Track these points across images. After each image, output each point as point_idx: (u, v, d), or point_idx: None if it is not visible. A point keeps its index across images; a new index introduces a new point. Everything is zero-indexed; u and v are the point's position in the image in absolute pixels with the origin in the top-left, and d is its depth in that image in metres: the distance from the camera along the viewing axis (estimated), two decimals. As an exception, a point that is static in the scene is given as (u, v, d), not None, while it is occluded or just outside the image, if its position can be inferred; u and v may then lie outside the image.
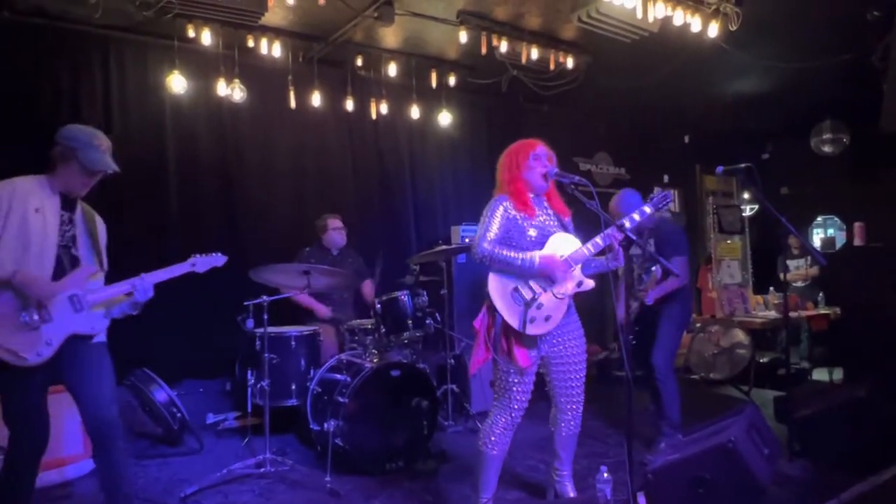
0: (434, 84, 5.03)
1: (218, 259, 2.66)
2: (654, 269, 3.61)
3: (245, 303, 3.49)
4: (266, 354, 3.39)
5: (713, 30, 4.07)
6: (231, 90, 4.32)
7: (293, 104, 4.51)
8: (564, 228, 2.66)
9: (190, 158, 4.46)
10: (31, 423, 2.27)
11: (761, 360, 5.59)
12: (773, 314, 5.80)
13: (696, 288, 7.61)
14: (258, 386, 3.59)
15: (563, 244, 2.57)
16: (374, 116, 4.98)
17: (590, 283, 2.59)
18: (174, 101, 4.31)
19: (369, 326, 3.84)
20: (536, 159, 2.60)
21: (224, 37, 4.10)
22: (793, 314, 5.76)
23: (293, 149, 4.85)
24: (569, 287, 2.54)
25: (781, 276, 6.71)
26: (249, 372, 3.77)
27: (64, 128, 2.35)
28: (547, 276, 2.47)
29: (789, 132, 7.21)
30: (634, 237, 2.37)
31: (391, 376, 3.44)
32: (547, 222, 2.63)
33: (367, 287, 4.35)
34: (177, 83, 4.15)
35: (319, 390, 3.56)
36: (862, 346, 3.63)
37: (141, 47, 4.28)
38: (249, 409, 3.85)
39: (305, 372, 3.69)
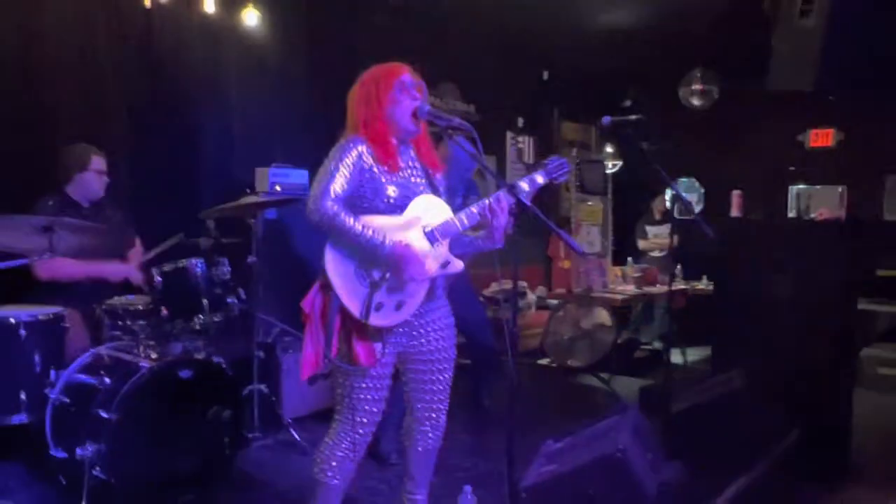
0: (238, -33, 4.58)
1: None
2: None
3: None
4: (-20, 352, 2.87)
5: (601, -54, 4.21)
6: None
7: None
8: (434, 188, 2.58)
9: None
10: None
11: (619, 341, 6.16)
12: (631, 288, 6.40)
13: (545, 256, 8.17)
14: (-38, 398, 3.05)
15: (428, 211, 2.48)
16: (147, 3, 4.39)
17: (458, 265, 2.56)
18: None
19: (141, 307, 3.45)
20: (403, 90, 2.46)
21: None
22: (650, 290, 6.43)
23: (19, 39, 4.07)
24: (431, 267, 2.47)
25: (640, 243, 7.54)
26: (-52, 376, 3.16)
27: None
28: (394, 266, 2.36)
29: (654, 79, 7.91)
30: (529, 203, 2.36)
31: (179, 378, 3.15)
32: (413, 179, 2.52)
33: (135, 254, 3.88)
34: None
35: (67, 401, 3.13)
36: (735, 326, 4.12)
37: None
38: (-53, 431, 3.25)
39: (42, 374, 3.20)
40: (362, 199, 2.41)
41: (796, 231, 4.19)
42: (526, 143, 7.89)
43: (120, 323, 3.48)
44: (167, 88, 4.75)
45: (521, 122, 7.88)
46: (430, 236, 2.45)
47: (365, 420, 2.47)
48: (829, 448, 3.82)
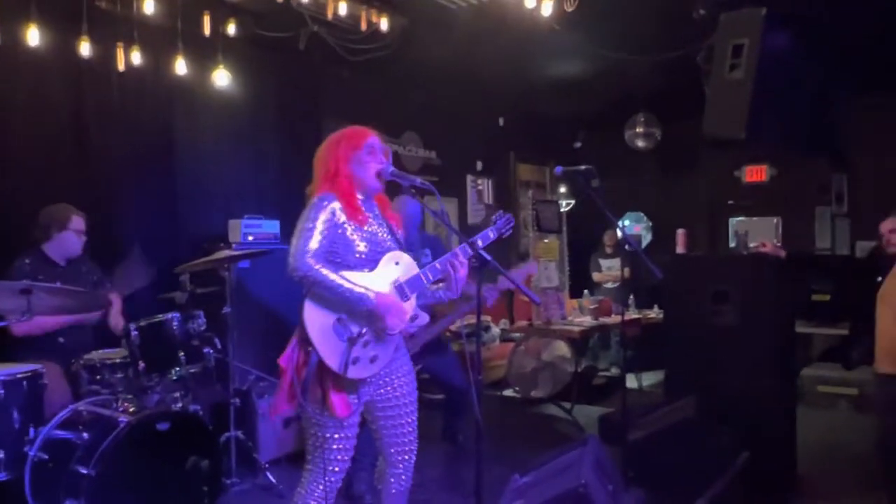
0: (207, 31, 4.57)
1: None
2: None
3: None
4: (-41, 414, 2.77)
5: (548, 7, 4.31)
6: None
7: (-4, 41, 3.74)
8: (398, 242, 2.59)
9: None
10: None
11: (578, 370, 6.18)
12: (588, 319, 6.46)
13: (507, 290, 8.19)
14: (-60, 459, 2.93)
15: (398, 267, 2.50)
16: (121, 67, 4.36)
17: (424, 318, 2.57)
18: None
19: (118, 360, 3.39)
20: (371, 153, 2.49)
21: None
22: (606, 320, 6.49)
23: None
24: (406, 321, 2.47)
25: (594, 275, 7.63)
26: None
27: None
28: (378, 318, 2.37)
29: (602, 123, 8.10)
30: (490, 258, 2.37)
31: (156, 431, 3.08)
32: (380, 234, 2.54)
33: (116, 304, 3.79)
34: None
35: (45, 457, 3.04)
36: (685, 353, 4.18)
37: None
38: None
39: (21, 432, 3.10)
40: (335, 254, 2.41)
41: (736, 264, 4.28)
42: (485, 185, 7.97)
43: (98, 377, 3.42)
44: (143, 147, 4.71)
45: (479, 165, 7.95)
46: (400, 290, 2.46)
47: (336, 469, 2.45)
48: (777, 463, 3.88)
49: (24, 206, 3.83)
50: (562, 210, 7.24)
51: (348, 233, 2.41)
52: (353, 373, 2.36)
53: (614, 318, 6.42)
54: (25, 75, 4.10)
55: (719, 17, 4.25)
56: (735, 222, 7.77)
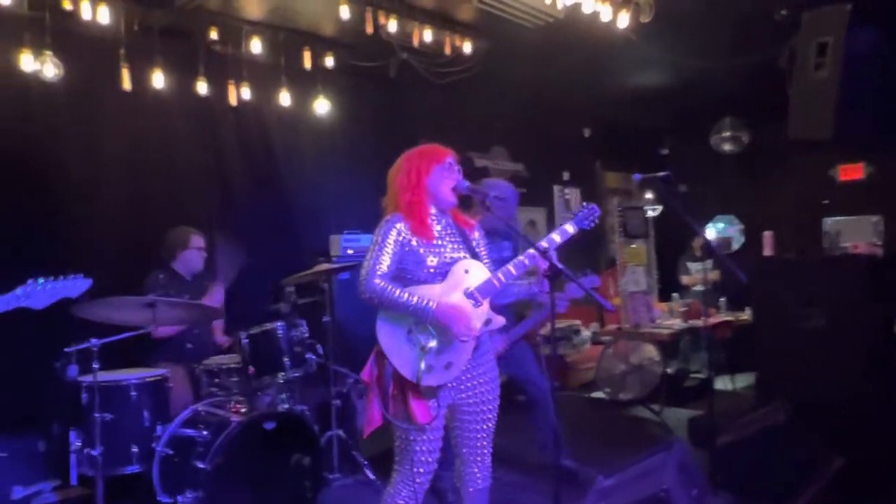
0: (308, 65, 4.74)
1: (76, 284, 2.24)
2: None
3: (66, 349, 3.04)
4: (97, 414, 2.97)
5: (623, 20, 4.17)
6: (41, 65, 3.75)
7: (127, 85, 4.03)
8: (471, 249, 2.55)
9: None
10: None
11: (667, 371, 5.90)
12: (678, 322, 6.15)
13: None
14: (85, 452, 3.16)
15: (468, 274, 2.44)
16: (233, 102, 4.60)
17: (500, 321, 2.49)
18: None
19: (233, 365, 3.54)
20: (449, 171, 2.47)
21: (30, -5, 3.55)
22: (696, 323, 6.16)
23: (129, 141, 4.34)
24: (475, 326, 2.42)
25: (682, 279, 7.28)
26: (73, 433, 3.29)
27: None
28: (444, 326, 2.33)
29: (688, 128, 7.74)
30: (561, 266, 2.29)
31: (264, 430, 3.18)
32: (450, 246, 2.49)
33: (218, 323, 3.99)
34: (-39, 53, 3.53)
35: (171, 452, 3.21)
36: (776, 356, 3.91)
37: None
38: (74, 480, 3.37)
39: (150, 429, 3.30)
40: (406, 271, 2.41)
41: (825, 266, 3.95)
42: (572, 195, 7.80)
43: (216, 380, 3.58)
44: (253, 172, 4.94)
45: (566, 175, 7.81)
46: (471, 297, 2.41)
47: (422, 470, 2.42)
48: (879, 468, 3.53)
49: (158, 227, 4.07)
50: (648, 215, 6.97)
51: (417, 249, 2.40)
52: (428, 380, 2.34)
53: (704, 321, 6.08)
54: (152, 113, 4.39)
55: (801, 17, 3.96)
56: (829, 222, 7.20)
